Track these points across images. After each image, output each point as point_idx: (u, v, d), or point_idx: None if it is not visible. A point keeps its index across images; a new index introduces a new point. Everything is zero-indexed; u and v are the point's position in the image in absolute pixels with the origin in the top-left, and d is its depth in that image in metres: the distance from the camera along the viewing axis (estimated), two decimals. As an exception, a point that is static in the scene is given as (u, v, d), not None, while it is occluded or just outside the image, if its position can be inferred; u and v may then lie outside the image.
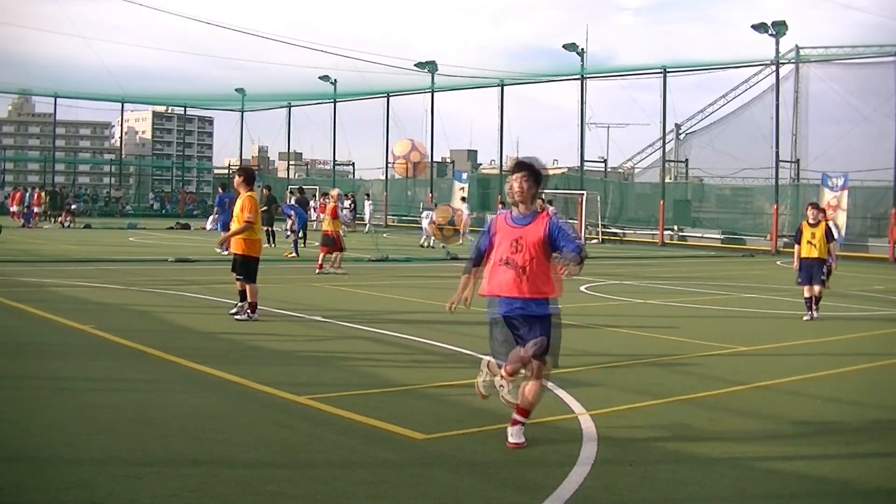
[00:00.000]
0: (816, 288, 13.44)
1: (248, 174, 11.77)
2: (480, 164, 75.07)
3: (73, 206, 41.61)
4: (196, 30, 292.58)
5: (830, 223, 14.18)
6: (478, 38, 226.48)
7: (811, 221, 13.68)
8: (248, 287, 11.26)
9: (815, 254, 13.53)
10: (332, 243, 19.08)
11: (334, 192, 20.70)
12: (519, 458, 5.64)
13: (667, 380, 8.52)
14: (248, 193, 11.45)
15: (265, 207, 29.65)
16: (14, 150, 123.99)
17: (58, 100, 56.35)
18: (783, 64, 36.83)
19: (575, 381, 7.98)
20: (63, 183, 68.03)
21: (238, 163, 65.22)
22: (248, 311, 11.20)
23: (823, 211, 14.16)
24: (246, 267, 11.38)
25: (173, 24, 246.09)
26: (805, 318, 13.30)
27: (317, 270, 18.77)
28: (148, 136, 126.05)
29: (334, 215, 19.31)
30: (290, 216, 27.96)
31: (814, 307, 13.45)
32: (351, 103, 55.43)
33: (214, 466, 5.26)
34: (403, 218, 51.18)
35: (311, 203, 32.22)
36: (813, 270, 13.47)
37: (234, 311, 11.36)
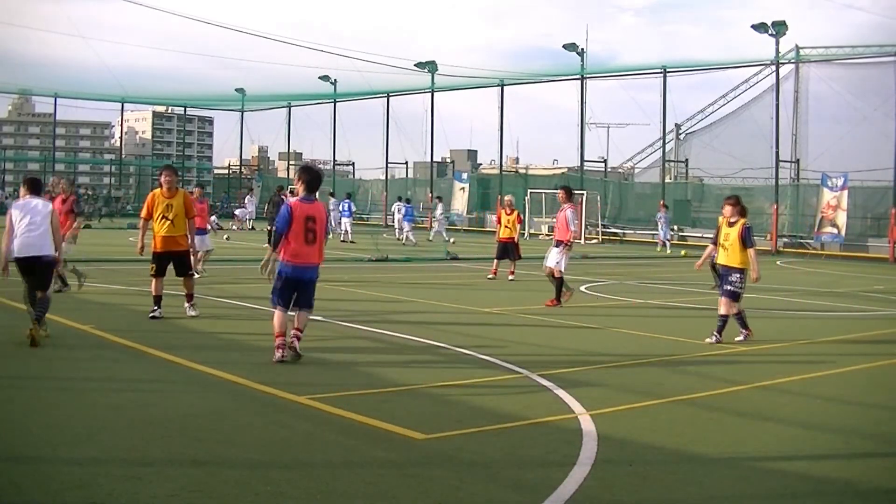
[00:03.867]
0: (723, 300, 10.72)
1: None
2: (480, 164, 75.00)
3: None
4: (196, 30, 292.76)
5: (749, 223, 10.98)
6: (478, 38, 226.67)
7: (730, 219, 10.91)
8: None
9: (725, 260, 10.81)
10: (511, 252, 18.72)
11: (509, 198, 20.16)
12: (519, 458, 5.65)
13: (667, 380, 8.52)
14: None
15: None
16: (14, 150, 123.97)
17: (58, 100, 56.32)
18: (783, 64, 36.81)
19: (575, 381, 7.98)
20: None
21: (238, 163, 65.34)
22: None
23: (741, 207, 11.01)
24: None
25: (173, 24, 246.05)
26: (738, 338, 10.69)
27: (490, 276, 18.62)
28: (148, 136, 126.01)
29: (519, 221, 19.26)
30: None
31: (741, 327, 10.80)
32: (351, 103, 55.44)
33: (214, 466, 5.27)
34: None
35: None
36: (724, 280, 10.87)
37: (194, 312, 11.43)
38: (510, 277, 18.44)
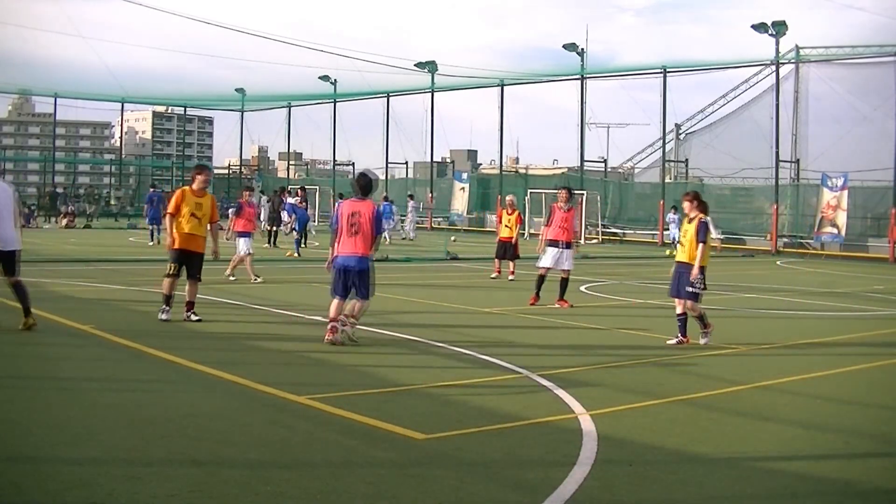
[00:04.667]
0: (688, 303, 10.35)
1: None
2: (480, 164, 74.97)
3: (72, 208, 41.56)
4: (196, 30, 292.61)
5: (708, 219, 10.53)
6: (478, 38, 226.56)
7: (689, 215, 10.60)
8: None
9: (683, 257, 10.47)
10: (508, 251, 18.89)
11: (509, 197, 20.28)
12: (519, 458, 5.65)
13: (667, 380, 8.52)
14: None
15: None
16: (14, 150, 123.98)
17: (58, 100, 56.27)
18: (783, 64, 36.81)
19: (575, 381, 7.98)
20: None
21: (238, 163, 65.33)
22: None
23: (698, 202, 10.53)
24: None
25: (173, 24, 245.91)
26: (670, 341, 10.40)
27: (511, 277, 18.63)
28: (148, 136, 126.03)
29: (519, 221, 19.32)
30: (289, 216, 28.12)
31: (701, 328, 10.43)
32: (351, 103, 55.40)
33: (214, 466, 5.27)
34: (403, 217, 51.08)
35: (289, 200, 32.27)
36: (681, 279, 10.43)
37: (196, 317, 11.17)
38: (510, 277, 18.44)
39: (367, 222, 9.68)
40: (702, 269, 10.28)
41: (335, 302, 9.68)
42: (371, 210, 9.81)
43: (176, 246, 11.05)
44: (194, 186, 11.24)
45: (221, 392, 7.30)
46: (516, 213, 19.24)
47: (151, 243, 27.59)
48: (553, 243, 14.39)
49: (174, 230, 11.06)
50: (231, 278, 16.19)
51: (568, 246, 14.37)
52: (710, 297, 15.79)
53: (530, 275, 19.24)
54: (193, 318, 10.99)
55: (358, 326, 11.02)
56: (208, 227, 11.26)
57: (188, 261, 11.10)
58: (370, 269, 9.83)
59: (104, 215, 48.39)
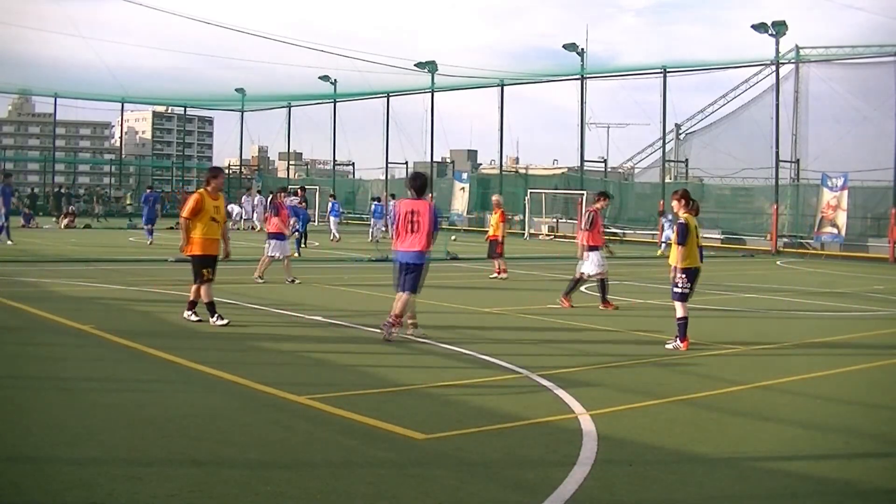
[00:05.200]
0: (675, 304, 10.23)
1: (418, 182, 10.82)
2: (480, 164, 74.95)
3: (72, 208, 41.55)
4: (196, 30, 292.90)
5: (685, 220, 10.15)
6: (478, 38, 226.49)
7: (679, 214, 10.41)
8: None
9: (670, 259, 10.57)
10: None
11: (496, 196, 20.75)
12: (519, 458, 5.65)
13: (667, 380, 8.52)
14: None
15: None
16: (14, 150, 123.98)
17: (58, 100, 56.28)
18: (783, 64, 36.81)
19: (575, 381, 7.98)
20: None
21: (238, 163, 65.34)
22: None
23: (689, 202, 10.26)
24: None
25: (173, 24, 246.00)
26: (668, 345, 10.15)
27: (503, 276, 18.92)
28: (148, 136, 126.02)
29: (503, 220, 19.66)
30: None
31: (676, 332, 10.15)
32: (351, 103, 55.40)
33: (214, 466, 5.27)
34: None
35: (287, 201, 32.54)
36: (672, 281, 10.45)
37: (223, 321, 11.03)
38: (492, 275, 18.89)
39: (425, 220, 10.17)
40: (690, 270, 10.19)
41: (397, 296, 10.28)
42: (428, 208, 10.30)
43: (199, 252, 10.91)
44: (210, 189, 11.11)
45: (221, 392, 7.30)
46: (499, 212, 19.57)
47: (150, 242, 27.66)
48: (596, 248, 14.52)
49: (195, 235, 10.89)
50: (259, 280, 16.22)
51: (594, 249, 14.73)
52: (711, 297, 15.81)
53: (530, 275, 19.30)
54: (193, 318, 10.97)
55: (358, 326, 11.02)
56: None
57: (212, 264, 11.02)
58: (425, 265, 10.29)
59: (111, 215, 48.36)
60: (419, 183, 10.54)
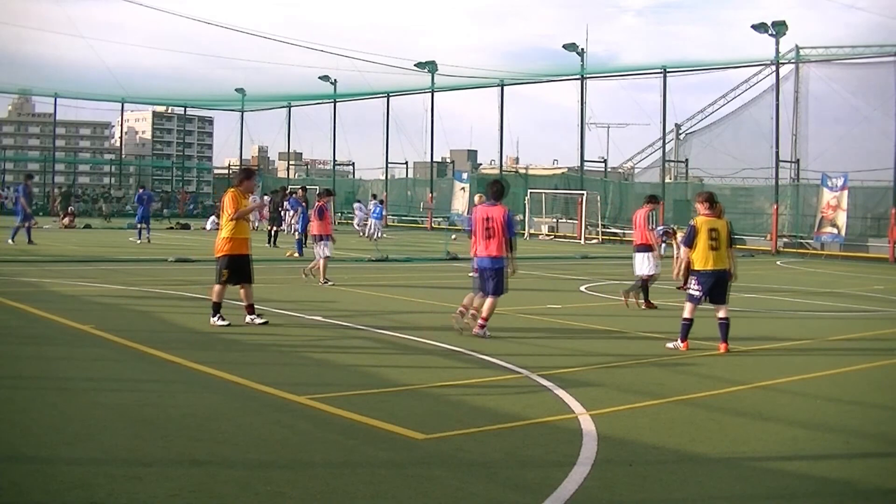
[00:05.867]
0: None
1: None
2: (480, 164, 75.03)
3: (72, 208, 41.55)
4: (196, 30, 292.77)
5: (693, 222, 10.37)
6: (478, 38, 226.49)
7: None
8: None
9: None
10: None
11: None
12: (519, 458, 5.65)
13: (667, 380, 8.52)
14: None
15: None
16: (14, 150, 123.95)
17: (58, 100, 56.31)
18: (783, 64, 36.81)
19: (575, 381, 7.98)
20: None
21: (238, 163, 65.32)
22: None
23: (713, 205, 10.40)
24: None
25: (173, 24, 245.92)
26: (668, 345, 10.22)
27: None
28: (148, 136, 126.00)
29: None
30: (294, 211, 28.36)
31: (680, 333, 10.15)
32: (351, 103, 55.44)
33: (214, 466, 5.27)
34: (404, 218, 51.21)
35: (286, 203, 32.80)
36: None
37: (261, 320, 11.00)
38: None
39: (500, 226, 10.52)
40: (703, 273, 10.10)
41: (472, 295, 10.88)
42: (502, 214, 10.59)
43: (228, 252, 10.87)
44: (242, 189, 11.13)
45: (221, 392, 7.30)
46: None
47: (139, 241, 27.73)
48: (650, 249, 14.58)
49: (224, 234, 10.92)
50: (328, 283, 16.34)
51: (644, 249, 14.77)
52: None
53: (530, 275, 19.25)
54: (258, 320, 10.83)
55: (358, 326, 11.03)
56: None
57: (240, 265, 10.94)
58: (503, 269, 10.61)
59: (112, 215, 48.34)
60: (496, 189, 10.89)
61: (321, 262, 16.68)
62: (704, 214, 10.33)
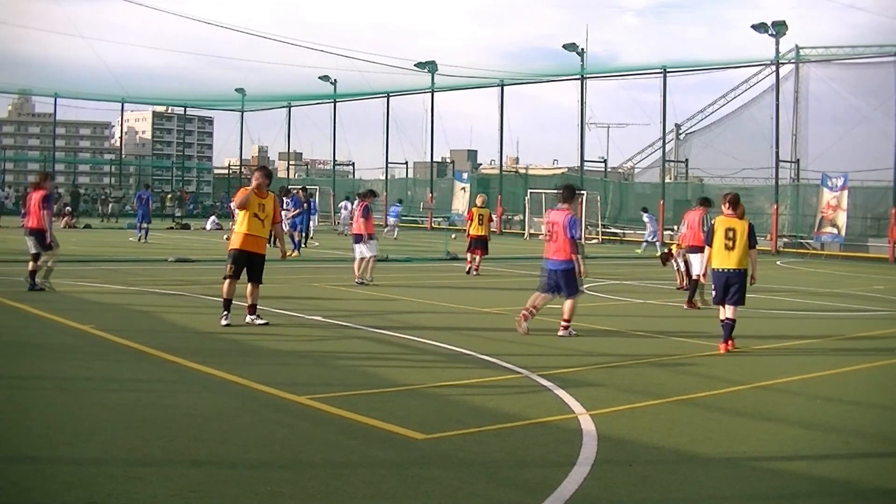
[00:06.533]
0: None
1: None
2: (480, 164, 75.03)
3: (68, 207, 41.51)
4: (196, 30, 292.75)
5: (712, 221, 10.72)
6: (478, 38, 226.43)
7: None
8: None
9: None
10: (484, 246, 19.92)
11: (480, 198, 21.29)
12: (519, 458, 5.65)
13: (667, 380, 8.52)
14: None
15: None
16: (14, 150, 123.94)
17: (58, 100, 56.30)
18: (783, 64, 36.81)
19: (575, 381, 7.98)
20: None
21: (238, 163, 65.34)
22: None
23: (733, 206, 10.50)
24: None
25: (173, 24, 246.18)
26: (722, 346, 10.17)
27: (474, 273, 19.61)
28: (148, 136, 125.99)
29: (490, 220, 20.42)
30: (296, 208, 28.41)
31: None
32: (351, 103, 55.41)
33: (214, 466, 5.27)
34: (404, 218, 51.19)
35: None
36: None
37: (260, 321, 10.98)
38: (474, 272, 19.61)
39: (562, 229, 10.83)
40: (715, 272, 10.31)
41: (536, 294, 11.14)
42: (564, 218, 10.87)
43: (235, 246, 10.85)
44: (254, 186, 11.04)
45: (221, 392, 7.30)
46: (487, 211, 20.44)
47: (143, 241, 27.76)
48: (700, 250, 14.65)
49: (236, 229, 10.94)
50: (371, 283, 16.66)
51: (694, 250, 14.87)
52: (710, 297, 15.79)
53: (530, 275, 19.23)
54: (258, 321, 10.81)
55: (358, 326, 11.04)
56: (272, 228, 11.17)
57: (249, 263, 10.87)
58: (573, 270, 10.82)
59: (113, 215, 48.31)
60: (566, 193, 11.33)
61: (369, 261, 17.01)
62: (726, 214, 10.53)
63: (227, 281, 10.78)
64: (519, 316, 11.02)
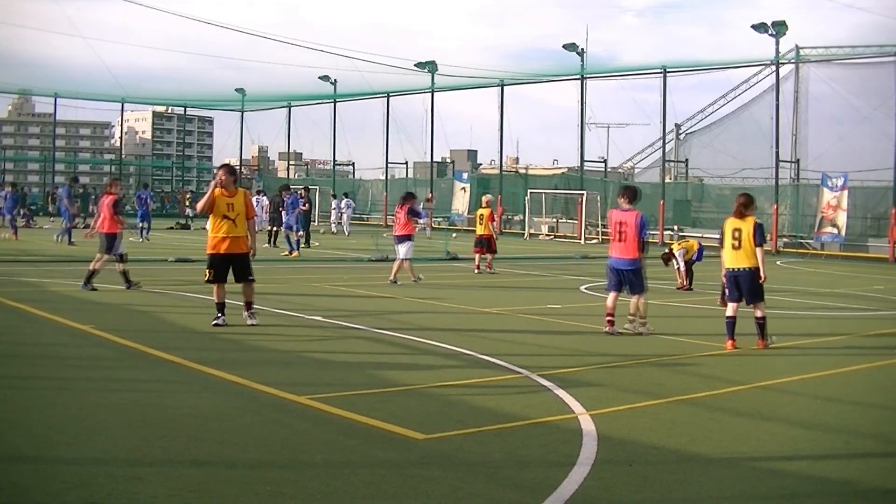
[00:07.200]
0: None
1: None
2: (480, 164, 75.02)
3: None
4: (196, 30, 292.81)
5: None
6: (478, 38, 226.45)
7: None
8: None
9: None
10: (487, 245, 20.35)
11: (486, 197, 21.77)
12: (519, 458, 5.65)
13: (667, 380, 8.52)
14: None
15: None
16: (14, 150, 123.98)
17: (58, 100, 56.28)
18: (783, 64, 36.79)
19: (575, 381, 7.98)
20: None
21: (238, 163, 65.32)
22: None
23: (746, 207, 10.57)
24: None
25: (173, 24, 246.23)
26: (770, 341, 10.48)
27: (475, 271, 20.10)
28: (148, 136, 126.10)
29: (491, 219, 20.76)
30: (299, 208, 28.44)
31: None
32: (351, 103, 55.38)
33: (214, 466, 5.27)
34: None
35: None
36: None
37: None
38: (481, 271, 19.96)
39: (632, 229, 11.20)
40: (726, 271, 10.58)
41: (611, 295, 11.45)
42: (634, 218, 11.22)
43: (209, 250, 10.85)
44: (213, 186, 10.99)
45: (221, 392, 7.30)
46: (490, 211, 20.78)
47: (141, 240, 27.81)
48: None
49: (209, 232, 10.98)
50: (397, 283, 16.81)
51: None
52: (710, 297, 15.81)
53: (530, 275, 19.24)
54: (249, 321, 10.76)
55: (358, 326, 11.05)
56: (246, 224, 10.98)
57: (230, 264, 10.80)
58: (641, 268, 11.35)
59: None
60: (631, 194, 11.63)
61: (407, 262, 17.30)
62: (734, 215, 10.71)
63: (215, 286, 10.75)
64: (606, 326, 11.22)
